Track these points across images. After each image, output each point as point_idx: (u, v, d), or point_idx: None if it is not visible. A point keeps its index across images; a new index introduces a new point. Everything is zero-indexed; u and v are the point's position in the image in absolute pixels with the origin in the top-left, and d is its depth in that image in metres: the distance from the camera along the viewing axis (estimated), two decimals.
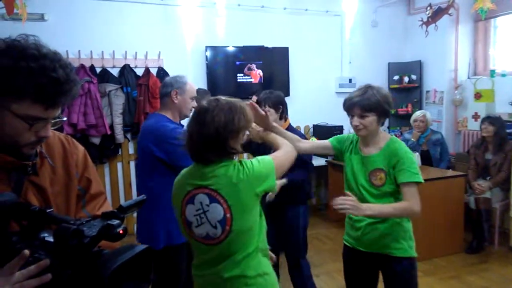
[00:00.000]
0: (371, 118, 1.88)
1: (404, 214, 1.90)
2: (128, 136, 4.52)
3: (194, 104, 2.26)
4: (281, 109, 2.64)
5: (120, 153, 4.51)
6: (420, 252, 2.04)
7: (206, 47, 4.70)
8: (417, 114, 4.44)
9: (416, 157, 3.97)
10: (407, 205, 1.84)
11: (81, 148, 1.22)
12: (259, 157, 1.49)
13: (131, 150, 4.57)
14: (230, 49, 4.83)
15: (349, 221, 2.06)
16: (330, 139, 2.13)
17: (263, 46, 4.95)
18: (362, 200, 1.88)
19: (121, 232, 0.86)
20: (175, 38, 4.63)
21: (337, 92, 5.47)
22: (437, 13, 4.98)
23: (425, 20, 5.17)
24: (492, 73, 4.73)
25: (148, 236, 2.14)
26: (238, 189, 1.39)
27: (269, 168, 1.47)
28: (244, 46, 4.86)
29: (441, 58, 5.25)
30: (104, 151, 4.35)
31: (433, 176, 3.83)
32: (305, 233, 2.81)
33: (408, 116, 5.19)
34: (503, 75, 4.61)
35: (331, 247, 4.10)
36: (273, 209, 2.66)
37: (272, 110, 2.56)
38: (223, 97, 1.47)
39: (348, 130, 5.31)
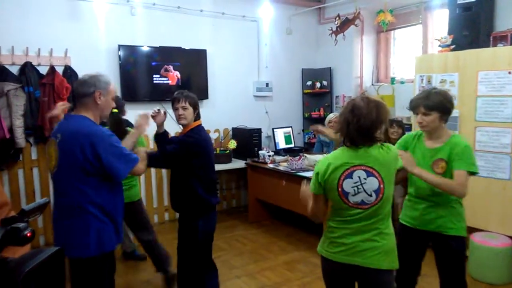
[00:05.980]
0: (433, 116, 2.16)
1: (447, 189, 2.13)
2: (31, 140, 4.11)
3: (114, 104, 2.13)
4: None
5: (21, 158, 4.08)
6: None
7: (119, 45, 4.48)
8: (331, 115, 4.70)
9: None
10: (452, 183, 2.12)
11: None
12: (388, 145, 1.87)
13: (34, 156, 4.16)
14: (145, 49, 4.66)
15: (408, 203, 2.36)
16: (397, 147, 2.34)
17: (180, 47, 4.87)
18: (422, 183, 2.20)
19: (28, 234, 0.79)
20: (84, 35, 4.33)
21: (255, 96, 5.58)
22: (344, 24, 5.34)
23: (334, 29, 5.52)
24: (392, 80, 5.21)
25: (75, 244, 1.97)
26: (387, 165, 1.79)
27: (396, 152, 1.89)
28: (160, 47, 4.73)
29: (348, 66, 5.66)
30: (3, 157, 3.90)
31: None
32: (206, 249, 2.64)
33: (320, 119, 5.49)
34: (402, 83, 5.10)
35: (252, 248, 4.16)
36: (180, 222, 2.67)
37: (191, 109, 2.53)
38: (369, 96, 1.85)
39: (266, 133, 5.46)
